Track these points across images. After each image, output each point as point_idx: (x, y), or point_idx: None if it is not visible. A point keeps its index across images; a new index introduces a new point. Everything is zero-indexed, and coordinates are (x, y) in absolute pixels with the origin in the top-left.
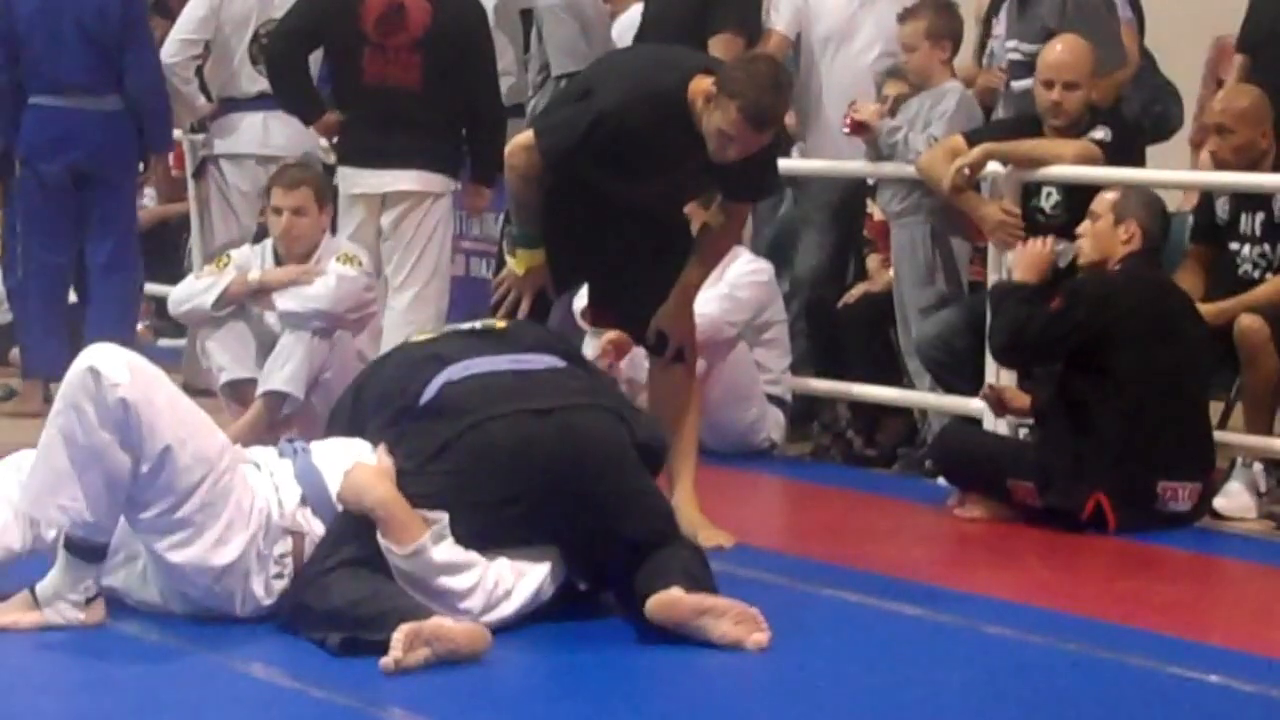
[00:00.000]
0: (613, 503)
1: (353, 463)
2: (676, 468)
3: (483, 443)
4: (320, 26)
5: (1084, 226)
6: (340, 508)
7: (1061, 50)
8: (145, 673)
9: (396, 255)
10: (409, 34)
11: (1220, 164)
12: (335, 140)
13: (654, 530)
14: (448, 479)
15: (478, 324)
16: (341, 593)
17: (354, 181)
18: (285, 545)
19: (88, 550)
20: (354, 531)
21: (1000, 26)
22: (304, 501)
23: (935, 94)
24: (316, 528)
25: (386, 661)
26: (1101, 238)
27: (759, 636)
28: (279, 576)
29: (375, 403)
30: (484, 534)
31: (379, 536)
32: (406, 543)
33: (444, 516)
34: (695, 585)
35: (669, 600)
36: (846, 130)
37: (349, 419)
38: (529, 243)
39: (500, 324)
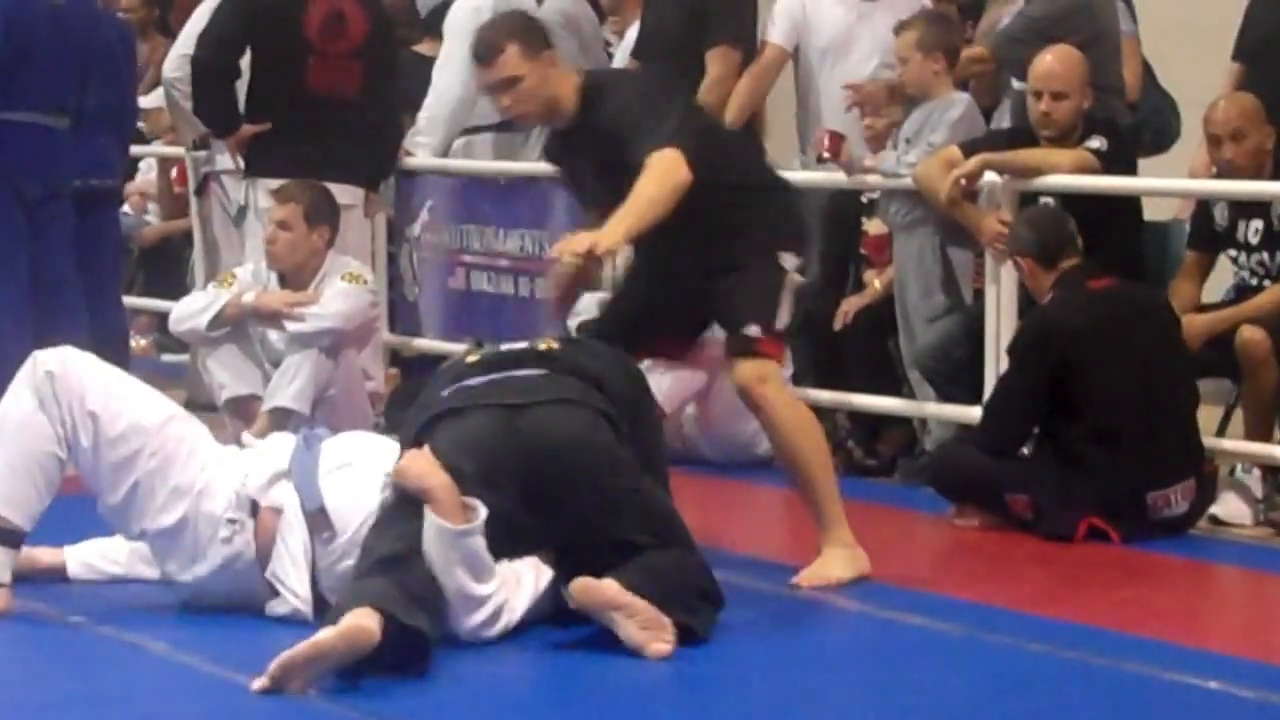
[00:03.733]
0: (596, 499)
1: (405, 453)
2: (807, 497)
3: (459, 434)
4: (256, 33)
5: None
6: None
7: (1051, 60)
8: (148, 687)
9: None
10: (350, 41)
11: (1237, 170)
12: (247, 152)
13: (649, 530)
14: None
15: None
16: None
17: None
18: (240, 513)
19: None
20: (389, 525)
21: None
22: (288, 478)
23: (942, 103)
24: (293, 504)
25: (257, 684)
26: (1026, 281)
27: (659, 646)
28: (227, 541)
29: None
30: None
31: (434, 516)
32: (460, 522)
33: (480, 506)
34: (648, 585)
35: (584, 585)
36: (826, 156)
37: None
38: None
39: (472, 358)
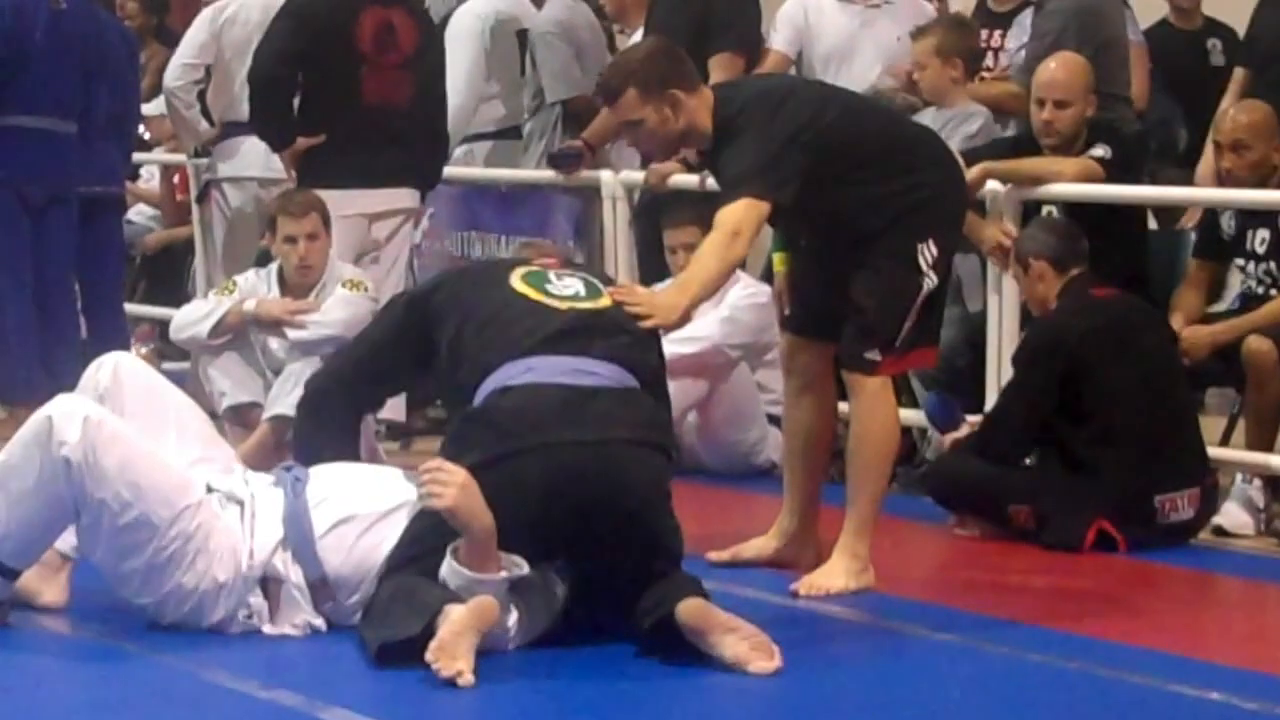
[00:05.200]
0: (638, 545)
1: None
2: (848, 499)
3: (514, 478)
4: (312, 47)
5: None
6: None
7: (1054, 68)
8: (149, 694)
9: (383, 272)
10: (401, 52)
11: (1236, 181)
12: (301, 163)
13: (662, 567)
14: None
15: (581, 288)
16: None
17: (348, 202)
18: (254, 601)
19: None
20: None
21: (1013, 40)
22: (284, 546)
23: (959, 115)
24: (295, 575)
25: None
26: (1029, 288)
27: (766, 664)
28: (243, 626)
29: (447, 329)
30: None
31: (458, 556)
32: (480, 571)
33: (524, 566)
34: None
35: (702, 608)
36: None
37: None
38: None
39: (605, 302)
